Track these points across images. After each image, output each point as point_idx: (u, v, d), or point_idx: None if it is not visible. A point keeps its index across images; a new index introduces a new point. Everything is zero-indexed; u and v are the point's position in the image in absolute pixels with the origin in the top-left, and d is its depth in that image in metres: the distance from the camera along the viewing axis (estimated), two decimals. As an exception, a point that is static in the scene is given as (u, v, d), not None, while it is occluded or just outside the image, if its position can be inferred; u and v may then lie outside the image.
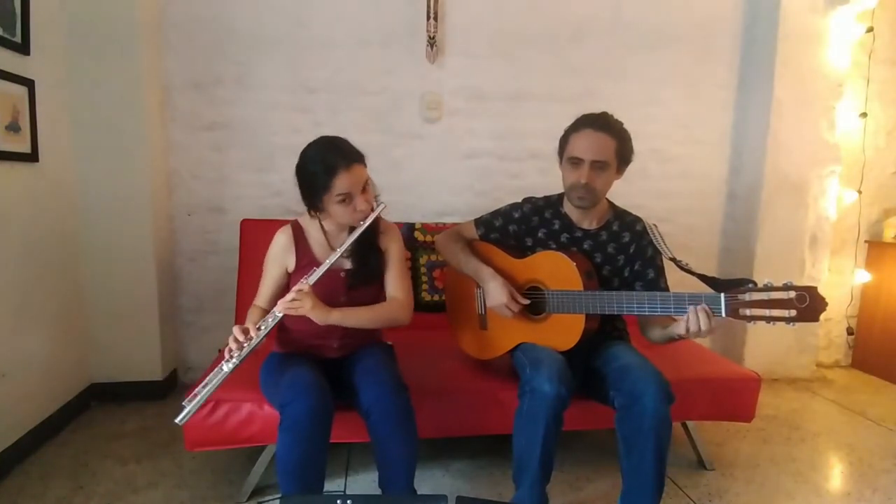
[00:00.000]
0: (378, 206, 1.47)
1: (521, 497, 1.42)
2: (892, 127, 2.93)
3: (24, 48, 1.83)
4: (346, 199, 1.41)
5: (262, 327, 1.35)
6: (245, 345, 1.31)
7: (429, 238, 2.28)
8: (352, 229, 1.47)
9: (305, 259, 1.51)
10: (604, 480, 1.79)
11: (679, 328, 1.32)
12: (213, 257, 2.47)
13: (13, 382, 1.79)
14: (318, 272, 1.40)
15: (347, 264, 1.52)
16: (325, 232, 1.53)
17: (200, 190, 2.45)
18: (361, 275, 1.51)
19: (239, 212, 2.39)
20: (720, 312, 1.26)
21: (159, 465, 1.83)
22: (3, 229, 1.76)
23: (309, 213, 1.50)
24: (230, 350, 1.32)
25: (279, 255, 1.52)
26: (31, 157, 1.89)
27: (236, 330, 1.32)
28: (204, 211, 2.46)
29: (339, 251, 1.41)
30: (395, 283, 1.55)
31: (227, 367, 1.31)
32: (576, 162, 1.53)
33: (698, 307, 1.29)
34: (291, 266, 1.52)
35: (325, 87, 2.46)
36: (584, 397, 1.53)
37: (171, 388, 2.43)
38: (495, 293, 1.56)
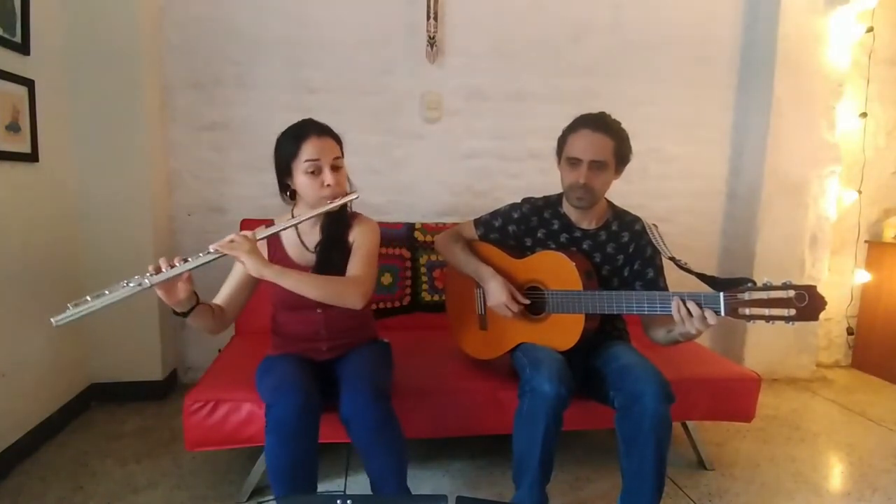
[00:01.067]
0: (350, 194, 1.42)
1: (521, 497, 1.42)
2: (892, 127, 2.93)
3: (24, 48, 1.83)
4: (315, 169, 1.38)
5: (190, 260, 1.23)
6: (163, 271, 1.21)
7: (429, 238, 2.28)
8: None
9: (277, 255, 1.49)
10: (604, 480, 1.79)
11: (679, 326, 1.32)
12: (212, 257, 2.47)
13: (13, 382, 1.79)
14: (270, 230, 1.34)
15: (313, 259, 1.49)
16: (297, 228, 1.48)
17: (200, 190, 2.45)
18: (323, 268, 1.45)
19: (239, 212, 2.39)
20: (719, 312, 1.26)
21: (159, 465, 1.83)
22: (3, 229, 1.76)
23: (281, 193, 1.48)
24: (147, 273, 1.21)
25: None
26: (31, 157, 1.89)
27: (163, 259, 1.22)
28: (204, 211, 2.46)
29: (295, 221, 1.37)
30: (354, 263, 1.44)
31: (132, 285, 1.19)
32: (574, 162, 1.53)
33: (687, 302, 1.29)
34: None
35: (325, 87, 2.46)
36: (584, 397, 1.53)
37: (171, 388, 2.43)
38: (495, 292, 1.56)
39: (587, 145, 1.50)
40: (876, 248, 2.95)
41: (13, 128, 1.79)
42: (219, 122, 2.42)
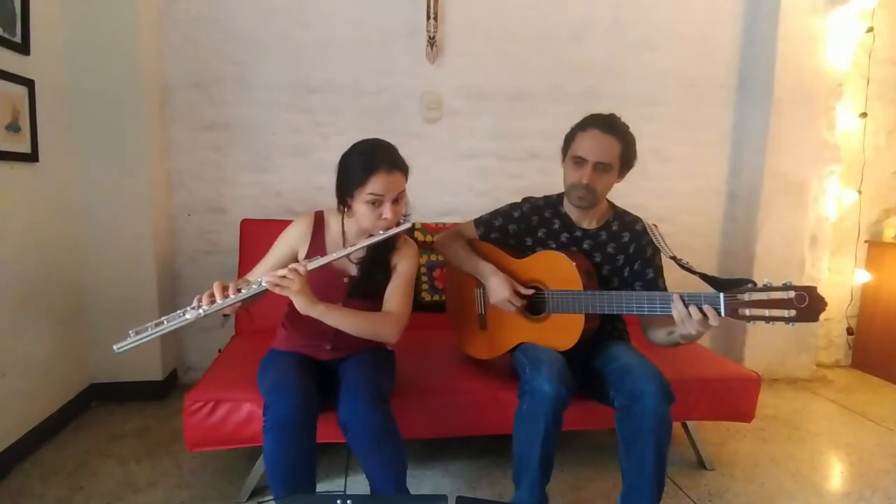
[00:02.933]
0: (404, 223, 1.43)
1: (521, 497, 1.41)
2: (892, 127, 2.93)
3: (24, 48, 1.83)
4: (376, 202, 1.38)
5: (243, 290, 1.28)
6: (218, 301, 1.25)
7: (429, 238, 2.28)
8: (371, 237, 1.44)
9: (318, 251, 1.48)
10: (604, 480, 1.79)
11: (679, 327, 1.31)
12: (212, 257, 2.47)
13: (13, 382, 1.79)
14: (321, 261, 1.34)
15: (353, 271, 1.50)
16: (344, 232, 1.50)
17: (200, 190, 2.45)
18: (363, 286, 1.48)
19: (239, 212, 2.39)
20: (720, 312, 1.25)
21: (159, 465, 1.83)
22: (3, 229, 1.76)
23: (338, 206, 1.48)
24: (200, 300, 1.26)
25: (294, 237, 1.50)
26: (31, 157, 1.89)
27: (217, 286, 1.26)
28: (204, 211, 2.46)
29: (350, 250, 1.38)
30: (394, 296, 1.48)
31: (188, 316, 1.24)
32: (579, 161, 1.52)
33: (689, 306, 1.28)
34: (303, 253, 1.50)
35: (325, 87, 2.46)
36: (584, 397, 1.53)
37: (171, 388, 2.43)
38: (497, 288, 1.56)
39: (594, 146, 1.50)
40: (876, 248, 2.95)
41: (13, 128, 1.79)
42: (219, 122, 2.42)
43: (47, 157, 1.96)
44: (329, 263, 1.41)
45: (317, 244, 1.50)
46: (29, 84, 1.86)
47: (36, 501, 1.62)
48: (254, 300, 1.35)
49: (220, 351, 1.98)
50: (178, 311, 1.26)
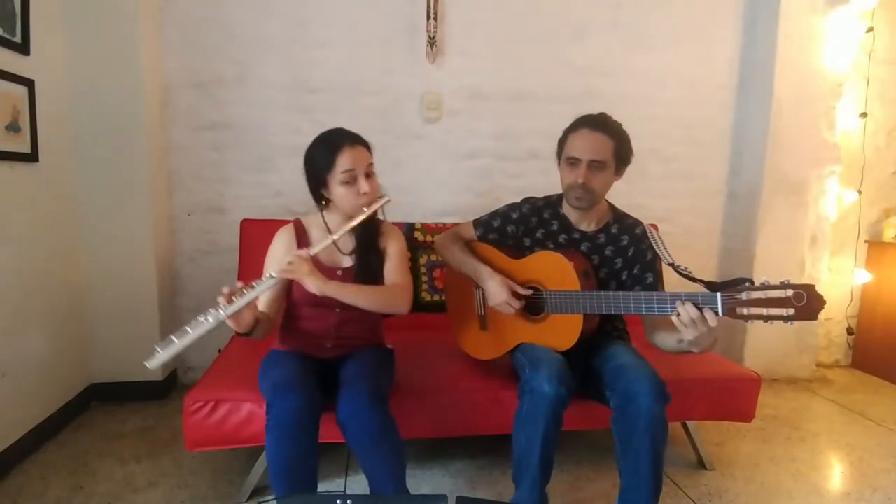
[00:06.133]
0: (383, 197, 1.47)
1: (520, 497, 1.42)
2: (892, 127, 2.93)
3: (24, 48, 1.83)
4: (350, 179, 1.42)
5: (256, 286, 1.29)
6: (234, 299, 1.25)
7: (429, 238, 2.28)
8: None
9: None
10: (604, 480, 1.80)
11: (685, 333, 1.29)
12: (212, 257, 2.48)
13: (13, 382, 1.79)
14: (320, 246, 1.39)
15: (346, 262, 1.52)
16: (328, 229, 1.52)
17: (200, 190, 2.45)
18: (361, 273, 1.51)
19: (239, 212, 2.39)
20: (717, 312, 1.25)
21: (159, 465, 1.83)
22: (3, 229, 1.76)
23: (316, 202, 1.51)
24: (217, 306, 1.26)
25: (281, 251, 1.51)
26: (31, 157, 1.89)
27: (226, 289, 1.26)
28: (204, 211, 2.46)
29: (339, 233, 1.40)
30: (395, 271, 1.53)
31: (210, 319, 1.24)
32: (573, 162, 1.52)
33: (685, 303, 1.27)
34: None
35: (325, 87, 2.46)
36: (583, 397, 1.53)
37: (171, 388, 2.43)
38: (495, 291, 1.56)
39: (586, 144, 1.50)
40: (876, 248, 2.95)
41: (13, 128, 1.79)
42: (219, 122, 2.42)
43: (47, 157, 1.96)
44: (319, 261, 1.46)
45: (305, 247, 1.50)
46: (29, 84, 1.86)
47: (36, 501, 1.61)
48: (264, 321, 1.39)
49: (220, 351, 1.98)
50: (198, 319, 1.25)
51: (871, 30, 2.78)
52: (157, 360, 1.23)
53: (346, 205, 1.46)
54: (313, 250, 1.37)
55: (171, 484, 1.72)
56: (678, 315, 1.26)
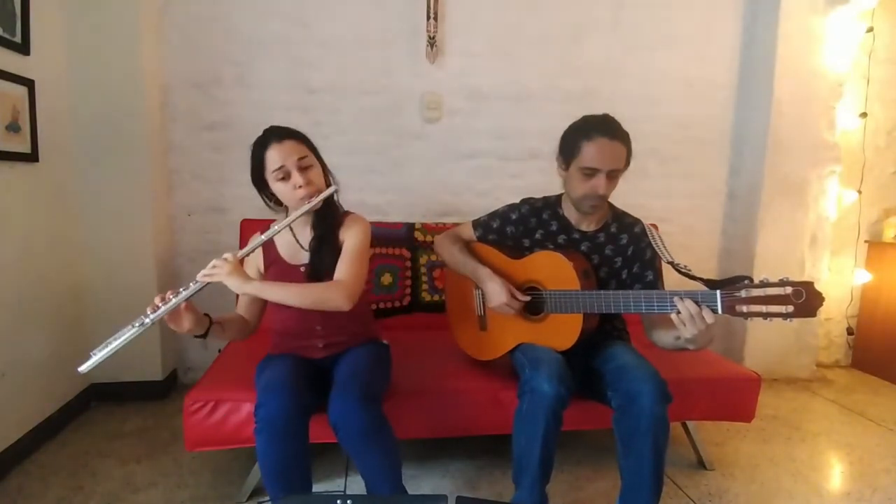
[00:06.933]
0: (328, 188, 1.45)
1: (520, 497, 1.42)
2: (892, 127, 2.93)
3: (24, 48, 1.83)
4: (284, 175, 1.41)
5: (182, 291, 1.30)
6: (160, 306, 1.26)
7: (429, 238, 2.28)
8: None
9: (270, 256, 1.52)
10: (604, 480, 1.80)
11: (683, 331, 1.29)
12: (212, 257, 2.43)
13: (13, 382, 1.79)
14: (249, 247, 1.39)
15: (307, 258, 1.51)
16: (291, 228, 1.51)
17: (200, 190, 2.45)
18: (318, 268, 1.47)
19: (239, 212, 2.38)
20: (716, 309, 1.25)
21: (159, 465, 1.83)
22: (3, 229, 1.76)
23: (267, 205, 1.52)
24: (147, 313, 1.27)
25: (252, 257, 1.52)
26: (31, 157, 1.89)
27: (157, 297, 1.29)
28: (204, 211, 2.46)
29: (274, 231, 1.38)
30: (341, 265, 1.45)
31: (136, 325, 1.25)
32: (591, 172, 1.49)
33: (685, 300, 1.27)
34: (262, 266, 1.54)
35: (325, 87, 2.46)
36: (583, 397, 1.53)
37: (171, 388, 2.43)
38: (494, 293, 1.56)
39: (606, 155, 1.47)
40: (876, 248, 2.95)
41: (13, 128, 1.79)
42: (219, 122, 2.42)
43: (47, 157, 1.96)
44: (285, 261, 1.49)
45: (268, 250, 1.53)
46: (29, 84, 1.86)
47: (36, 501, 1.61)
48: (214, 329, 1.40)
49: (220, 351, 1.98)
50: (128, 326, 1.26)
51: (871, 30, 2.78)
52: (90, 364, 1.24)
53: (287, 201, 1.46)
54: (240, 253, 1.38)
55: (171, 484, 1.72)
56: (678, 312, 1.26)
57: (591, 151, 1.48)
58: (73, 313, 2.16)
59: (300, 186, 1.41)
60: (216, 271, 1.33)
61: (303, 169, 1.43)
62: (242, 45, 2.39)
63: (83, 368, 1.23)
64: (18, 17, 1.80)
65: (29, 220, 1.89)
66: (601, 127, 1.49)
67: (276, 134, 1.44)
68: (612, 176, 1.50)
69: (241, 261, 1.38)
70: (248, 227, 2.17)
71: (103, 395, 2.28)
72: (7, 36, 1.74)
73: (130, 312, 2.20)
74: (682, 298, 1.27)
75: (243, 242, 2.16)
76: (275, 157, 1.41)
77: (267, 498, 1.64)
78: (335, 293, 1.39)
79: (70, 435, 2.01)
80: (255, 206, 2.44)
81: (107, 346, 1.24)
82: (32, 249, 1.91)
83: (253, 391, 1.49)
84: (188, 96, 2.39)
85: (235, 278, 1.34)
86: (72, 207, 2.15)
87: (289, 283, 1.44)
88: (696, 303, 1.25)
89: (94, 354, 1.24)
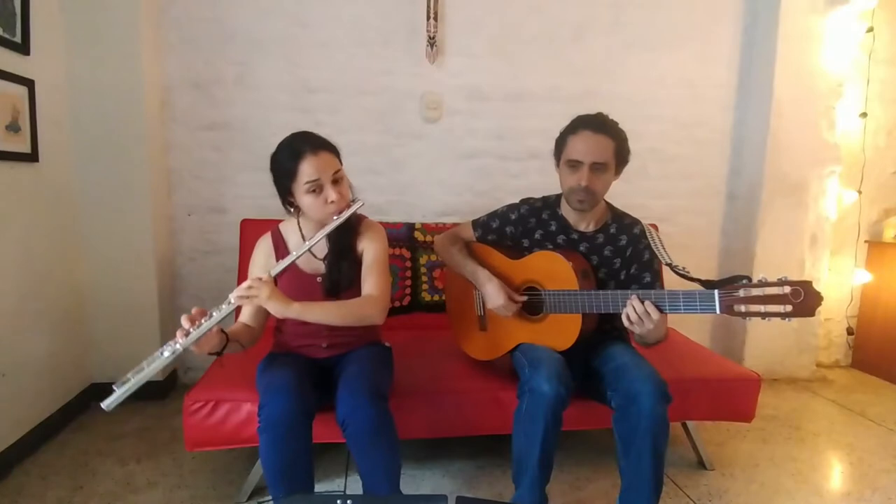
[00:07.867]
0: (355, 202, 1.40)
1: (520, 497, 1.42)
2: (892, 127, 2.93)
3: (24, 48, 1.83)
4: (316, 188, 1.36)
5: (214, 314, 1.25)
6: (191, 331, 1.22)
7: (429, 238, 2.28)
8: None
9: None
10: (604, 480, 1.80)
11: (633, 328, 1.34)
12: (213, 257, 2.48)
13: (13, 382, 1.79)
14: (283, 264, 1.33)
15: (325, 268, 1.49)
16: (303, 236, 1.48)
17: (200, 190, 2.45)
18: (336, 279, 1.46)
19: (239, 212, 2.39)
20: (714, 309, 1.25)
21: (159, 465, 1.83)
22: (3, 229, 1.76)
23: (285, 209, 1.46)
24: (175, 338, 1.24)
25: (261, 260, 1.50)
26: (31, 157, 1.89)
27: (184, 318, 1.24)
28: (204, 211, 2.46)
29: (308, 245, 1.35)
30: (368, 278, 1.45)
31: (166, 354, 1.21)
32: (574, 165, 1.51)
33: (631, 298, 1.32)
34: (271, 271, 1.51)
35: (325, 87, 2.46)
36: (583, 397, 1.53)
37: (171, 388, 2.43)
38: (493, 295, 1.56)
39: (588, 147, 1.49)
40: (876, 248, 2.95)
41: (13, 128, 1.79)
42: (219, 122, 2.42)
43: (47, 157, 1.96)
44: (299, 268, 1.43)
45: (282, 256, 1.48)
46: (29, 84, 1.86)
47: (36, 501, 1.61)
48: (231, 343, 1.37)
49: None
50: (156, 354, 1.22)
51: (871, 30, 2.78)
52: (114, 399, 1.21)
53: (314, 214, 1.41)
54: (275, 270, 1.33)
55: (171, 484, 1.72)
56: (627, 315, 1.32)
57: (575, 144, 1.51)
58: (74, 313, 2.16)
59: (332, 201, 1.37)
60: (253, 292, 1.28)
61: (335, 182, 1.38)
62: (242, 45, 2.39)
63: (107, 404, 1.21)
64: (18, 17, 1.80)
65: (29, 220, 1.89)
66: (587, 121, 1.52)
67: (310, 143, 1.37)
68: (597, 169, 1.50)
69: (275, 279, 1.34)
70: (248, 227, 2.17)
71: (103, 395, 2.24)
72: (7, 36, 1.74)
73: (130, 312, 2.24)
74: (680, 299, 1.28)
75: (243, 242, 2.16)
76: (310, 170, 1.35)
77: (267, 498, 1.64)
78: (371, 309, 1.41)
79: (70, 435, 2.01)
80: (255, 206, 2.48)
81: (140, 370, 1.21)
82: (32, 249, 1.91)
83: (253, 391, 1.50)
84: (188, 96, 2.39)
85: (276, 302, 1.30)
86: (72, 207, 2.15)
87: (324, 302, 1.42)
88: (640, 300, 1.30)
89: (117, 388, 1.21)
